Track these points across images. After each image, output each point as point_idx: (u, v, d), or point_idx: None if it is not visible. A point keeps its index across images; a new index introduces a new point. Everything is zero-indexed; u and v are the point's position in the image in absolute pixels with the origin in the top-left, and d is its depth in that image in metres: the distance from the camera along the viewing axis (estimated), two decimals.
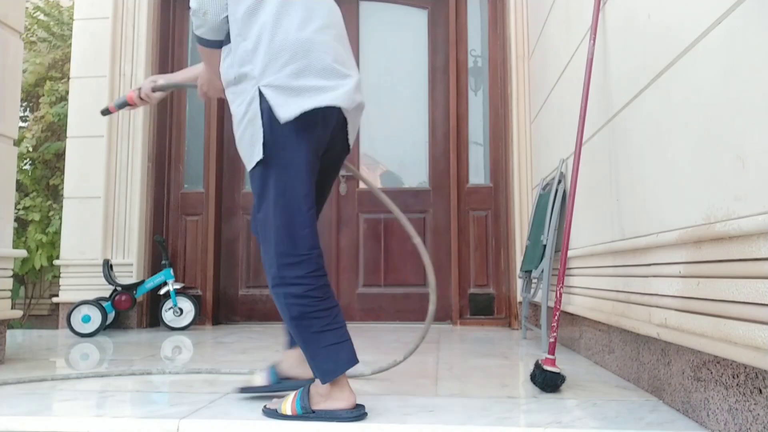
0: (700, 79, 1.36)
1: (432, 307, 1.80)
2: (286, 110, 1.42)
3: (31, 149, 4.25)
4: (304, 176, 1.46)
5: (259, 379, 1.68)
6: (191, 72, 1.85)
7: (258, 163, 1.46)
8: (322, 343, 1.42)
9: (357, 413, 1.41)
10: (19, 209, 4.11)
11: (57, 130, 4.35)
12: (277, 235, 1.44)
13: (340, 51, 1.56)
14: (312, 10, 1.54)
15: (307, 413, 1.42)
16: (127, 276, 3.66)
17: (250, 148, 1.47)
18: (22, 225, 4.22)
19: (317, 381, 1.45)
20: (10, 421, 1.44)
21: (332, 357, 1.41)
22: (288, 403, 1.44)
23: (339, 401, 1.42)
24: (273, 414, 1.45)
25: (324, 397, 1.43)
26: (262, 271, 3.99)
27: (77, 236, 3.71)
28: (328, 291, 1.45)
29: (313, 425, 1.38)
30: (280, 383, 1.66)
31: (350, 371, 1.48)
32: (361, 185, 4.01)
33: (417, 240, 1.80)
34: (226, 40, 1.55)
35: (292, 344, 1.71)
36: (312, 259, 1.44)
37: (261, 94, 1.44)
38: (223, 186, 4.11)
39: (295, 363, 1.68)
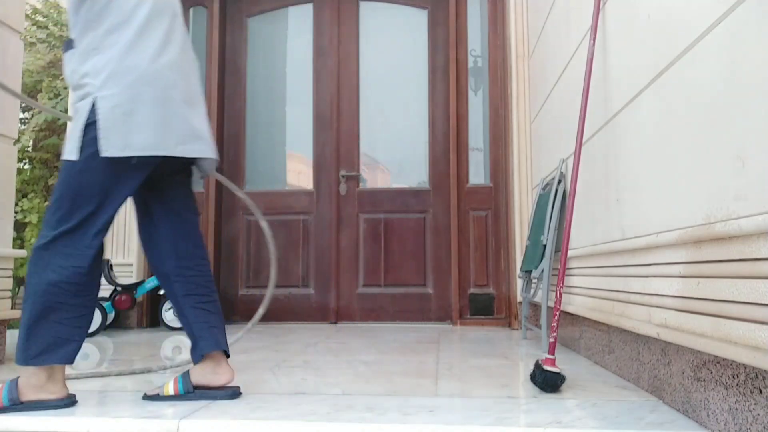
0: (700, 79, 1.36)
1: (261, 310, 2.11)
2: (107, 144, 1.50)
3: (30, 149, 4.24)
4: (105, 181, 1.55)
5: (170, 389, 1.65)
6: None
7: (69, 161, 1.53)
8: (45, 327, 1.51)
9: (68, 401, 1.52)
10: (17, 211, 4.11)
11: (57, 129, 4.35)
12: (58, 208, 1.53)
13: (187, 89, 1.65)
14: (168, 40, 1.62)
15: (15, 404, 1.49)
16: (127, 276, 3.66)
17: (68, 143, 1.55)
18: (19, 227, 4.21)
19: (29, 372, 1.52)
20: (10, 421, 1.44)
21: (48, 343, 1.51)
22: None
23: (52, 394, 1.52)
24: None
25: (37, 388, 1.51)
26: (262, 271, 4.00)
27: None
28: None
29: (315, 425, 1.38)
30: (190, 393, 1.64)
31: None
32: (362, 185, 4.02)
33: (272, 251, 2.12)
34: (69, 45, 1.59)
35: (195, 358, 1.69)
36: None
37: (94, 105, 1.51)
38: (223, 186, 4.10)
39: (206, 371, 1.66)
